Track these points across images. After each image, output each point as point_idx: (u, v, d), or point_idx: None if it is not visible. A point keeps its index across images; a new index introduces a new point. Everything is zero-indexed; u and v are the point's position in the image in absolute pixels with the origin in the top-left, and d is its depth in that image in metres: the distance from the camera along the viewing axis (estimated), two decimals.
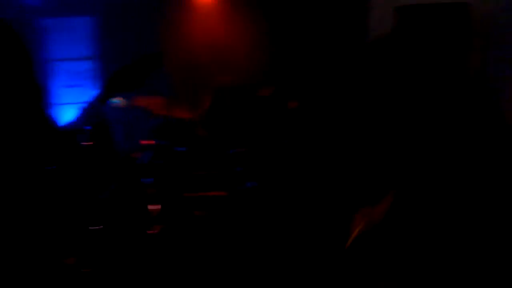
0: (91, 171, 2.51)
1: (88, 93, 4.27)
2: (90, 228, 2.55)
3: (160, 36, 4.17)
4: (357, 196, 2.40)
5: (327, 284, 2.37)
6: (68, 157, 2.21)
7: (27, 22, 4.03)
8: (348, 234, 2.17)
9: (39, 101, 1.82)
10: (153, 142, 3.03)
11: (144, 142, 3.11)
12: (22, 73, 1.58)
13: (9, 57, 1.52)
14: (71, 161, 2.22)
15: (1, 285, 1.61)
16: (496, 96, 3.02)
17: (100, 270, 2.60)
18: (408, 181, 2.16)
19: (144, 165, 2.90)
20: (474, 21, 3.19)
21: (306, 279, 2.55)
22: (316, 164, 3.06)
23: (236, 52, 4.20)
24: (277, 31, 4.21)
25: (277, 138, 3.20)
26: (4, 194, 1.63)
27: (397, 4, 3.35)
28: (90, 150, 2.78)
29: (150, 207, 2.90)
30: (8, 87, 1.55)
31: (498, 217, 2.02)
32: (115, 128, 3.19)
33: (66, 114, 3.76)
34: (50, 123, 1.89)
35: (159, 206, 2.91)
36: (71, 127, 3.01)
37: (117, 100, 2.94)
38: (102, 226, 2.56)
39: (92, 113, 2.98)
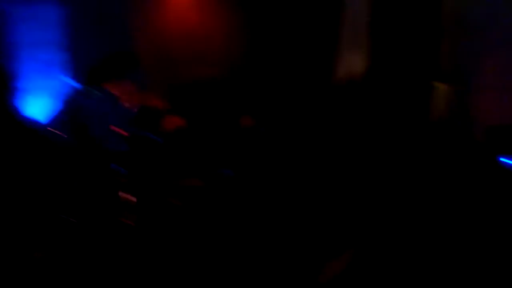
0: (65, 160, 2.47)
1: (57, 80, 4.19)
2: (62, 217, 2.51)
3: (133, 25, 4.11)
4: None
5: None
6: (42, 146, 2.17)
7: None
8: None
9: (5, 88, 1.77)
10: (127, 131, 3.00)
11: (118, 130, 3.07)
12: None
13: None
14: (44, 150, 2.18)
15: None
16: (468, 89, 3.10)
17: (72, 262, 2.58)
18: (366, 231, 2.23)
19: (119, 154, 2.86)
20: (447, 9, 3.23)
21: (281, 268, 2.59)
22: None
23: (212, 43, 4.18)
24: (253, 22, 4.20)
25: (254, 126, 3.21)
26: None
27: None
28: (65, 141, 2.74)
29: (124, 196, 2.88)
30: None
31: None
32: (90, 118, 3.13)
33: (35, 101, 3.68)
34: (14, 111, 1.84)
35: (133, 196, 2.88)
36: (47, 118, 2.96)
37: (95, 91, 2.89)
38: (75, 216, 2.53)
39: (68, 103, 2.93)
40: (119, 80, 2.93)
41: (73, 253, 2.58)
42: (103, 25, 4.12)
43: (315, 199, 3.01)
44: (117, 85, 2.93)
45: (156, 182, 3.03)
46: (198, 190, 3.14)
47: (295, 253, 2.47)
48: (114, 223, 2.87)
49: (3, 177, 2.06)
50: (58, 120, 2.93)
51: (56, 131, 2.79)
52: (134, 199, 2.88)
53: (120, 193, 2.86)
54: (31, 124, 2.40)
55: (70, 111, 2.91)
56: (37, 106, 3.62)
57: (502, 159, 2.03)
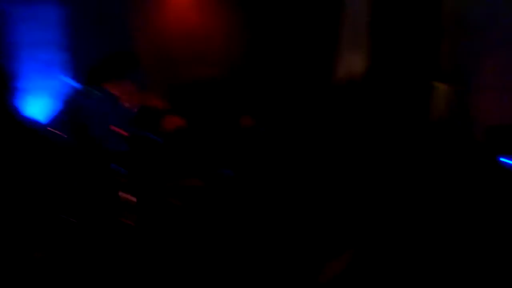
0: (65, 160, 2.46)
1: (57, 80, 4.18)
2: (62, 217, 2.51)
3: (133, 25, 4.11)
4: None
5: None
6: (42, 146, 2.17)
7: None
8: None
9: (5, 88, 1.77)
10: (127, 131, 2.99)
11: (118, 130, 3.06)
12: None
13: None
14: (45, 150, 2.18)
15: None
16: (468, 89, 3.10)
17: (72, 261, 2.57)
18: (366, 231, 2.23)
19: (119, 154, 2.86)
20: (447, 9, 3.22)
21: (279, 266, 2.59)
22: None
23: (212, 43, 4.17)
24: (253, 22, 4.20)
25: (254, 126, 3.21)
26: None
27: None
28: (65, 141, 2.74)
29: (124, 196, 2.87)
30: None
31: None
32: (90, 118, 3.12)
33: (35, 101, 3.68)
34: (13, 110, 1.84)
35: (133, 196, 2.88)
36: (47, 118, 2.96)
37: (95, 91, 2.88)
38: (75, 216, 2.53)
39: (68, 103, 2.93)
40: (119, 80, 2.92)
41: (73, 253, 2.58)
42: (103, 25, 4.12)
43: (314, 198, 3.00)
44: (117, 85, 2.92)
45: (156, 182, 3.03)
46: (198, 190, 3.14)
47: (295, 253, 2.47)
48: (114, 223, 2.87)
49: (3, 177, 2.06)
50: (58, 120, 2.93)
51: (56, 131, 2.79)
52: (134, 199, 2.88)
53: (120, 193, 2.85)
54: (31, 124, 2.39)
55: (70, 111, 2.91)
56: (37, 106, 3.61)
57: (502, 159, 2.03)
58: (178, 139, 3.20)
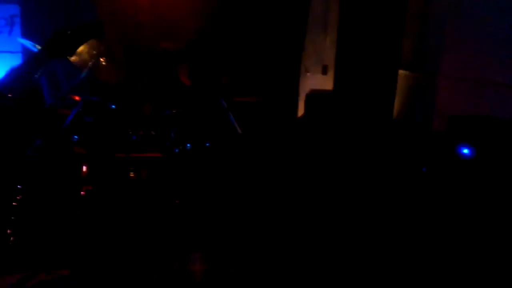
0: (16, 126, 2.32)
1: (9, 41, 3.97)
2: (18, 186, 2.40)
3: None
4: None
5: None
6: None
7: None
8: None
9: None
10: (80, 97, 2.84)
11: (72, 97, 2.91)
12: None
13: None
14: None
15: None
16: (430, 78, 3.13)
17: (27, 232, 2.48)
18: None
19: (72, 121, 2.71)
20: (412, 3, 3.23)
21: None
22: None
23: (178, 16, 4.02)
24: None
25: (213, 102, 3.14)
26: None
27: None
28: (16, 105, 2.57)
29: (79, 166, 2.76)
30: None
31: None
32: (42, 83, 2.97)
33: None
34: None
35: (87, 167, 2.76)
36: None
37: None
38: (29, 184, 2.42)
39: (25, 72, 2.74)
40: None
41: (29, 222, 2.47)
42: None
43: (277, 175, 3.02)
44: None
45: (113, 153, 2.92)
46: (157, 163, 3.06)
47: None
48: (71, 193, 2.77)
49: None
50: (9, 81, 2.74)
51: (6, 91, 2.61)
52: (88, 170, 2.77)
53: (71, 160, 2.74)
54: None
55: (22, 74, 2.72)
56: None
57: (461, 148, 2.06)
58: (136, 109, 3.10)
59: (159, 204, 2.91)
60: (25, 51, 3.82)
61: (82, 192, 2.67)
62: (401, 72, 3.34)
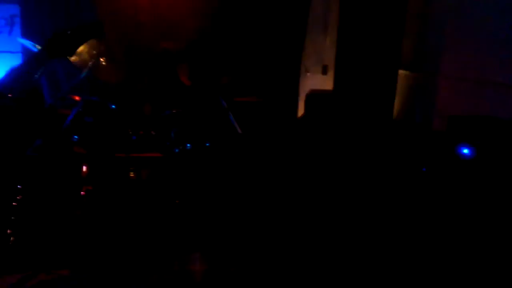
0: (16, 126, 2.32)
1: (9, 41, 3.97)
2: (18, 186, 2.41)
3: None
4: None
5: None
6: None
7: None
8: None
9: None
10: (80, 97, 2.84)
11: (72, 97, 2.91)
12: None
13: None
14: None
15: None
16: (430, 78, 3.14)
17: (27, 233, 2.49)
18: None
19: (72, 122, 2.71)
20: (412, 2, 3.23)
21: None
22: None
23: (178, 16, 4.02)
24: None
25: (213, 102, 3.15)
26: None
27: None
28: (16, 105, 2.57)
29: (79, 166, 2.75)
30: None
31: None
32: (42, 83, 2.98)
33: None
34: None
35: (87, 167, 2.76)
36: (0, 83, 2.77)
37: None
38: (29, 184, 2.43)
39: (25, 72, 2.74)
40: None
41: (30, 222, 2.47)
42: None
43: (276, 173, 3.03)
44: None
45: (113, 153, 2.92)
46: (157, 162, 3.06)
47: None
48: (71, 192, 2.77)
49: None
50: (9, 82, 2.74)
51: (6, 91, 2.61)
52: (88, 170, 2.77)
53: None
54: None
55: (23, 74, 2.72)
56: None
57: (461, 148, 2.06)
58: (136, 109, 3.10)
59: (159, 204, 2.91)
60: (25, 51, 3.82)
61: (82, 192, 2.67)
62: (401, 72, 3.34)
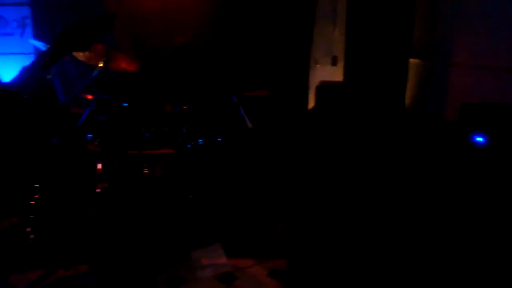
0: (32, 126, 2.36)
1: (21, 42, 4.01)
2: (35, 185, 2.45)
3: None
4: None
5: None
6: (10, 114, 2.06)
7: None
8: None
9: None
10: (92, 96, 2.88)
11: (85, 96, 2.94)
12: None
13: None
14: (13, 117, 2.08)
15: None
16: (443, 66, 3.10)
17: (45, 230, 2.53)
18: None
19: (85, 120, 2.75)
20: None
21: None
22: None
23: (187, 11, 4.03)
24: None
25: (223, 98, 3.16)
26: None
27: None
28: (31, 105, 2.61)
29: (94, 164, 2.79)
30: None
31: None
32: (56, 82, 3.01)
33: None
34: None
35: (102, 164, 2.80)
36: (13, 83, 2.81)
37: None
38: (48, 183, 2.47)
39: (37, 70, 2.77)
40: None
41: (47, 221, 2.52)
42: None
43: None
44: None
45: (126, 150, 2.94)
46: (170, 158, 3.08)
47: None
48: (87, 191, 2.81)
49: None
50: (23, 81, 2.78)
51: (19, 91, 2.65)
52: (102, 167, 2.80)
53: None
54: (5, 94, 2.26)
55: (36, 72, 2.76)
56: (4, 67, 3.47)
57: (474, 137, 2.04)
58: (147, 105, 3.12)
59: (173, 200, 2.94)
60: (37, 52, 3.86)
61: (97, 190, 2.71)
62: (412, 60, 3.30)
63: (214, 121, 3.02)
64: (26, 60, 4.07)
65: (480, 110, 2.19)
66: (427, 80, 3.31)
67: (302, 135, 3.52)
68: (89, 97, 2.90)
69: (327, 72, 4.20)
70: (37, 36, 3.93)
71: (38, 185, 2.54)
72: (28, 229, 2.47)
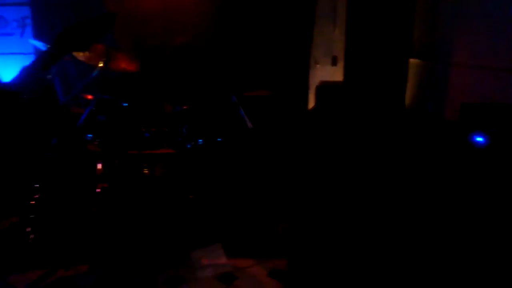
0: (32, 126, 2.36)
1: (21, 42, 4.02)
2: (35, 185, 2.45)
3: None
4: None
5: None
6: (10, 114, 2.06)
7: None
8: None
9: None
10: (92, 96, 2.88)
11: (85, 96, 2.95)
12: None
13: None
14: (13, 117, 2.08)
15: None
16: (442, 66, 3.10)
17: (45, 230, 2.53)
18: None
19: (85, 120, 2.75)
20: None
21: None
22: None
23: (187, 11, 4.03)
24: None
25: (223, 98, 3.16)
26: None
27: None
28: (31, 105, 2.61)
29: (94, 164, 2.79)
30: None
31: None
32: (56, 82, 3.01)
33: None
34: None
35: (102, 164, 2.80)
36: (13, 83, 2.81)
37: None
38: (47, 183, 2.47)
39: (36, 70, 2.77)
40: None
41: (47, 220, 2.52)
42: None
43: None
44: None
45: (126, 150, 2.95)
46: (170, 158, 3.09)
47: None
48: (87, 191, 2.81)
49: None
50: (23, 81, 2.78)
51: (19, 91, 2.65)
52: (103, 167, 2.80)
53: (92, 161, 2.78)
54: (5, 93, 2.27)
55: (37, 72, 2.76)
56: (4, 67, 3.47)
57: (474, 137, 2.04)
58: (146, 105, 3.12)
59: (173, 200, 2.94)
60: (37, 52, 3.87)
61: (97, 190, 2.71)
62: (412, 60, 3.31)
63: (214, 121, 3.02)
64: (26, 60, 4.08)
65: (480, 110, 2.19)
66: (427, 80, 3.31)
67: (302, 135, 3.53)
68: (89, 97, 2.90)
69: (327, 72, 4.20)
70: (37, 36, 3.93)
71: (38, 185, 2.55)
72: (28, 229, 2.47)
